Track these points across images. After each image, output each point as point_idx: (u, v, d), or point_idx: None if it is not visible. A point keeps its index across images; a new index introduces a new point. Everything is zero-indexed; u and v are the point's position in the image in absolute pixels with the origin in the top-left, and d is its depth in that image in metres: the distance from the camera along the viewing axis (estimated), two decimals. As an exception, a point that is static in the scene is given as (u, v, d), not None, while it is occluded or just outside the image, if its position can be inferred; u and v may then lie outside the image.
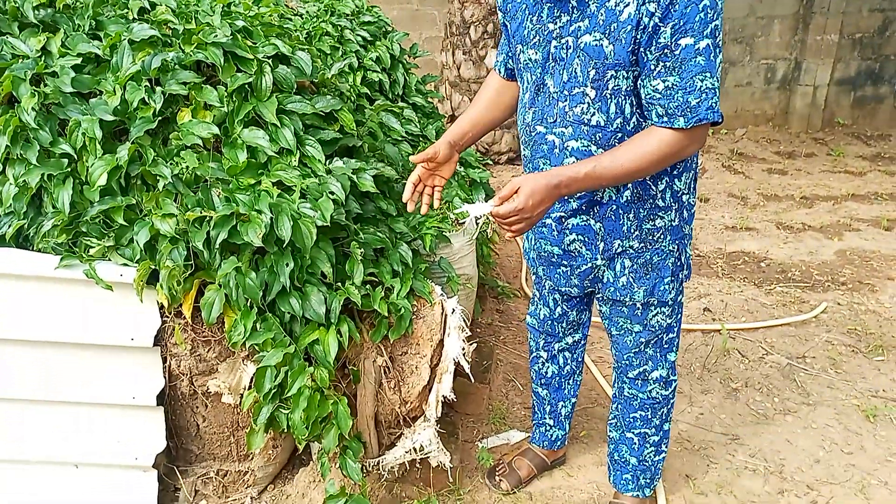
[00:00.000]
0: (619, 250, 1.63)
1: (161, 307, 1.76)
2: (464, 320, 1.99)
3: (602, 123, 1.46)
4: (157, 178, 1.71)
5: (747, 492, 2.15)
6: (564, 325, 1.96)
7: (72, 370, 1.80)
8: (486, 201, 1.54)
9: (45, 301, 1.73)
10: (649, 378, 1.82)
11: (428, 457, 1.94)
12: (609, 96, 1.43)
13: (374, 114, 2.30)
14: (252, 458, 2.00)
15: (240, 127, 1.78)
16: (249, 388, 1.82)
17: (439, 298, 2.03)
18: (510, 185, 1.38)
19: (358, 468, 1.80)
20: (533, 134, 1.59)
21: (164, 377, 1.84)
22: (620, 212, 1.58)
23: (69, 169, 1.70)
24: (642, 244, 1.62)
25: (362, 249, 1.89)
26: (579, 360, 2.06)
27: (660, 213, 1.59)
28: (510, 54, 1.69)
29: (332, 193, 1.80)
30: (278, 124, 1.78)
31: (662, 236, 1.62)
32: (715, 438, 2.40)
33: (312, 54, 2.02)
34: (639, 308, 1.71)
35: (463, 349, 1.95)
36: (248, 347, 1.75)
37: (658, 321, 1.73)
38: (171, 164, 1.73)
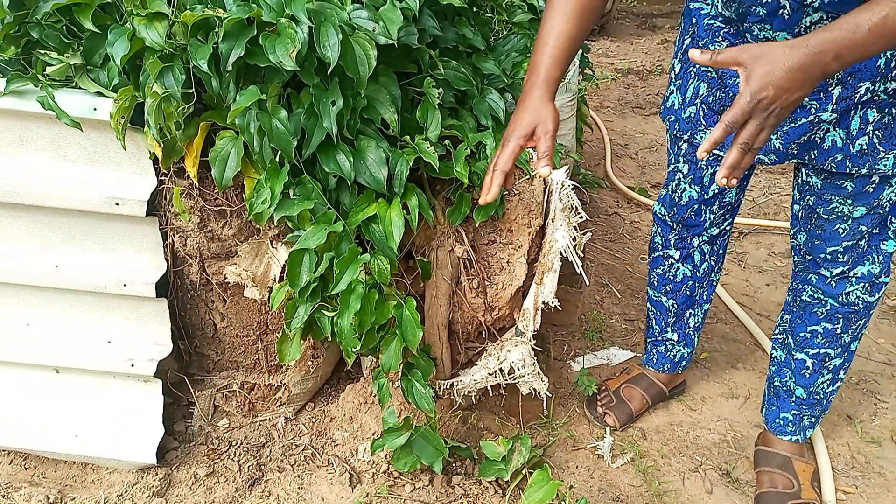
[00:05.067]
0: (864, 97, 1.04)
1: (155, 160, 1.24)
2: (576, 199, 1.42)
3: None
4: (141, -38, 1.14)
5: (933, 444, 1.63)
6: (715, 208, 1.39)
7: (36, 243, 1.31)
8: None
9: (-8, 145, 1.22)
10: (852, 276, 1.26)
11: (517, 382, 1.44)
12: None
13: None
14: (286, 371, 1.53)
15: None
16: (281, 279, 1.31)
17: (541, 169, 1.46)
18: (730, 55, 0.84)
19: (429, 395, 1.31)
20: None
21: (167, 259, 1.35)
22: None
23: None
24: None
25: (440, 90, 1.31)
26: (721, 252, 1.50)
27: None
28: None
29: (402, 0, 1.21)
30: None
31: None
32: (876, 369, 1.86)
33: None
34: (873, 183, 1.12)
35: (574, 240, 1.40)
36: (277, 223, 1.24)
37: (891, 199, 1.16)
38: (161, -58, 1.14)
